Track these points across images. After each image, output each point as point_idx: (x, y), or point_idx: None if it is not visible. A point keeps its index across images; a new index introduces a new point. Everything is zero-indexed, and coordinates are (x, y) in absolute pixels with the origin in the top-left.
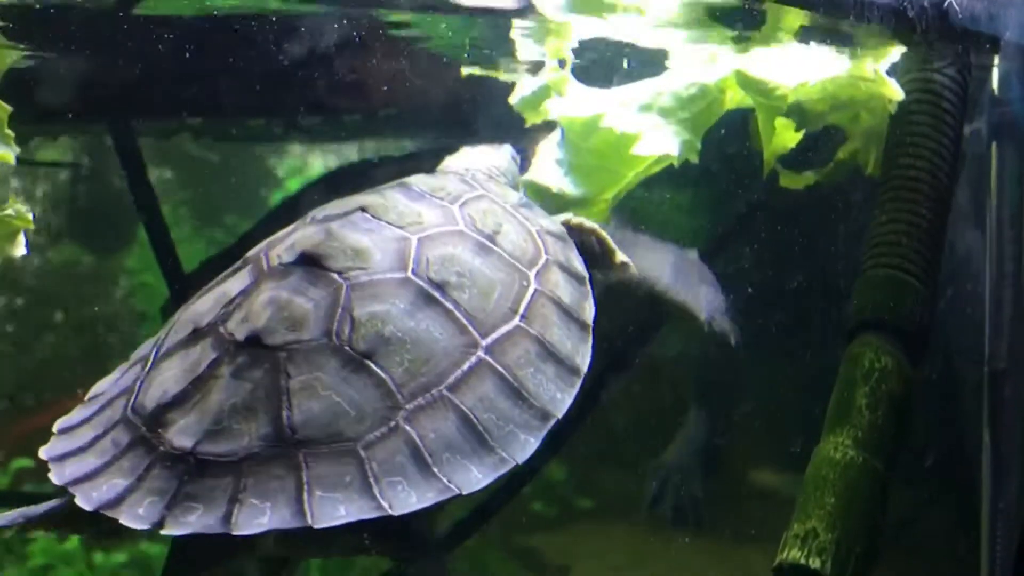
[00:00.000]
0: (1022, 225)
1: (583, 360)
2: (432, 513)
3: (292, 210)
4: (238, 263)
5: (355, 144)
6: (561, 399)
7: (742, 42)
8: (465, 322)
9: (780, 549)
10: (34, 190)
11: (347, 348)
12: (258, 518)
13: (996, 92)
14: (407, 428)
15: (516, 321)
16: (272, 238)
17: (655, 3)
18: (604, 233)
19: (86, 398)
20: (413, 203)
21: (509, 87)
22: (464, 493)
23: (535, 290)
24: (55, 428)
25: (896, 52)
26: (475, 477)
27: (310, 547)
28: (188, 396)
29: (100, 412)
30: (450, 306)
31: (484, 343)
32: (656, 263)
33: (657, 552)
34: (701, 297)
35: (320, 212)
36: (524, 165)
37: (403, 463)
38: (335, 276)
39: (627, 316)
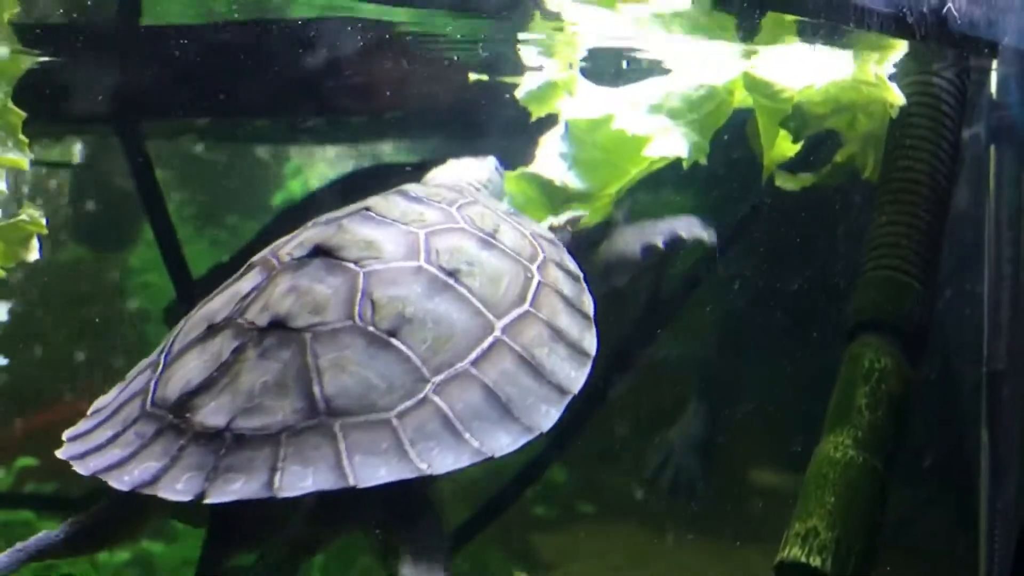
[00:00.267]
0: (1020, 227)
1: (590, 345)
2: (443, 510)
3: (297, 218)
4: (243, 268)
5: (358, 146)
6: (576, 377)
7: (748, 40)
8: (479, 306)
9: (781, 547)
10: (36, 190)
11: (371, 328)
12: (301, 481)
13: (995, 96)
14: (436, 399)
15: (526, 306)
16: (276, 243)
17: None
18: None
19: (88, 413)
20: (414, 204)
21: (515, 89)
22: (496, 456)
23: (539, 281)
24: (64, 436)
25: (898, 53)
26: (505, 442)
27: (343, 523)
28: (215, 381)
29: (113, 416)
30: (464, 291)
31: (500, 324)
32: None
33: (657, 552)
34: (659, 230)
35: (322, 217)
36: (527, 159)
37: (436, 430)
38: (351, 265)
39: (627, 318)
